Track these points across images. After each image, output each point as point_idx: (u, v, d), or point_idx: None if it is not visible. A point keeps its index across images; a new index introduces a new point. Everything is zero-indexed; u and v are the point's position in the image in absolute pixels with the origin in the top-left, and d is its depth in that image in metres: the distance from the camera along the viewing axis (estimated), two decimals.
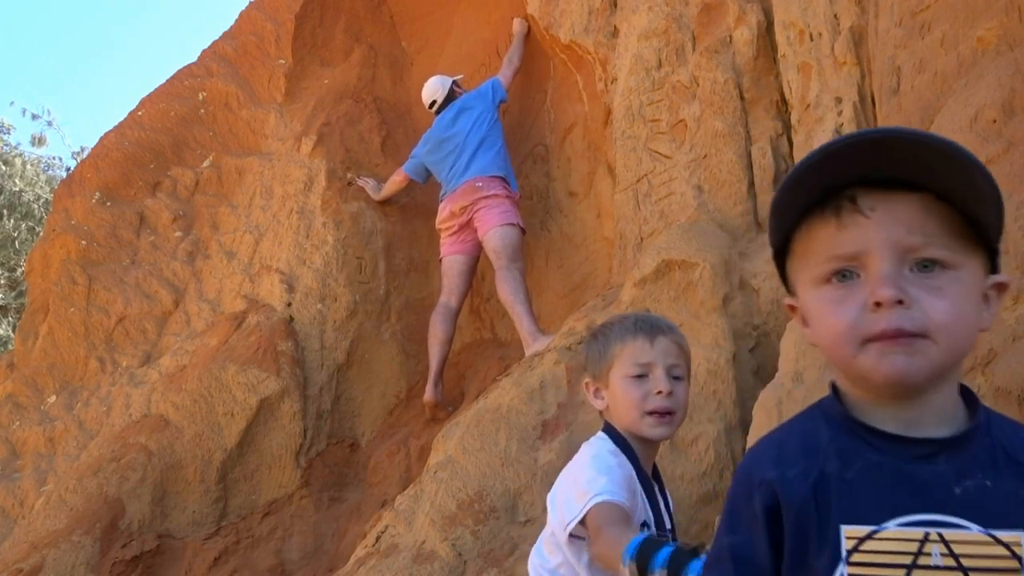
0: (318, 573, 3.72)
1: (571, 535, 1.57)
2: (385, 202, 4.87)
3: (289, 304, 4.54)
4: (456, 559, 2.65)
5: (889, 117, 2.36)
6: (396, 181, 4.77)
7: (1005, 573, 0.84)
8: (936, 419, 0.89)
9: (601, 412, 1.75)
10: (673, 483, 2.48)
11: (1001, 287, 0.92)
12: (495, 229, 4.18)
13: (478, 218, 4.25)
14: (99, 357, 4.88)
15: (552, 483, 2.52)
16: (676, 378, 1.67)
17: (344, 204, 4.77)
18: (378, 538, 2.93)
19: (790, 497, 0.92)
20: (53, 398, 4.86)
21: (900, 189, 0.86)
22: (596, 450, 1.65)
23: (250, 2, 5.68)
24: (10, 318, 11.08)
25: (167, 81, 5.54)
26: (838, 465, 0.91)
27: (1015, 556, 0.84)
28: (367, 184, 4.87)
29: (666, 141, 3.42)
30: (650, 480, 1.66)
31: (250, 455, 4.18)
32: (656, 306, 2.81)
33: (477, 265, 4.47)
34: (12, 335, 10.16)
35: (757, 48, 3.22)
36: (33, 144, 13.13)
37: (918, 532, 0.86)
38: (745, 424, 2.49)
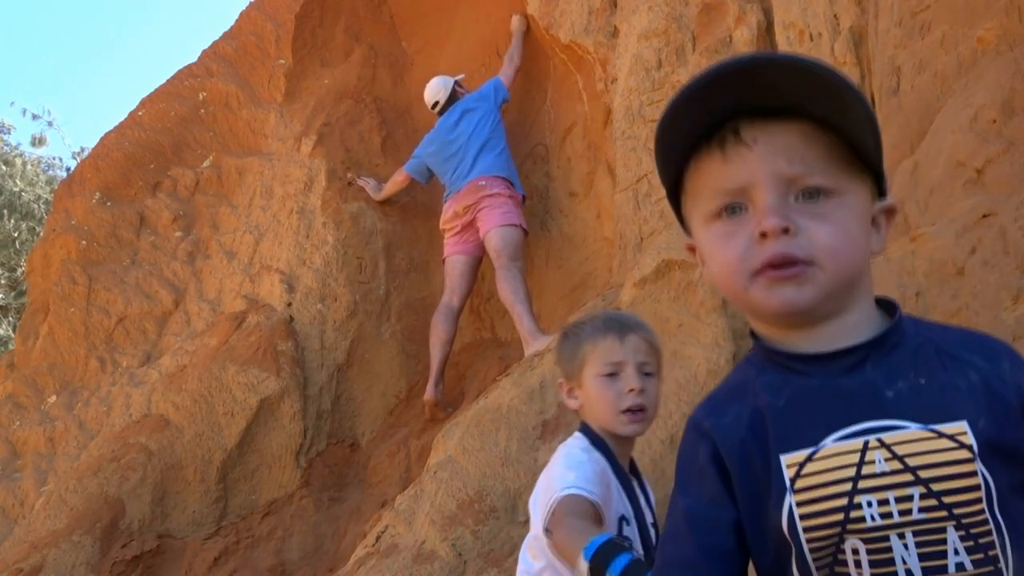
0: (318, 573, 3.72)
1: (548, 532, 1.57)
2: (385, 202, 4.87)
3: (289, 304, 4.55)
4: (456, 559, 2.65)
5: (889, 117, 2.36)
6: (397, 181, 4.77)
7: (956, 465, 0.81)
8: (855, 334, 0.88)
9: (576, 411, 1.77)
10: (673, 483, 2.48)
11: (890, 212, 0.92)
12: (496, 229, 4.19)
13: (480, 218, 4.26)
14: (99, 357, 4.88)
15: None
16: (647, 374, 1.68)
17: (344, 204, 4.78)
18: (378, 538, 2.93)
19: (729, 444, 0.91)
20: (53, 398, 4.86)
21: (781, 118, 0.85)
22: (568, 449, 1.67)
23: (250, 2, 5.68)
24: (10, 318, 11.09)
25: (167, 81, 5.55)
26: (768, 398, 0.89)
27: (963, 446, 0.81)
28: (367, 184, 4.87)
29: None
30: (627, 475, 1.68)
31: (250, 455, 4.18)
32: (656, 306, 2.81)
33: (479, 266, 4.47)
34: (12, 335, 10.16)
35: (757, 48, 3.22)
36: (33, 144, 13.14)
37: (857, 443, 0.83)
38: None
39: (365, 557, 2.88)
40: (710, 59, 3.32)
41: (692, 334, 2.69)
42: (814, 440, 0.85)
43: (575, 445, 1.67)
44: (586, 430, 1.70)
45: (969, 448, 0.80)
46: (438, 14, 5.40)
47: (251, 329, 4.39)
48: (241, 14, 5.64)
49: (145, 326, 4.92)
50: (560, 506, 1.51)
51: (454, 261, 4.41)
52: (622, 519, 1.59)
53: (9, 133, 12.95)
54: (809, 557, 0.86)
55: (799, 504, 0.85)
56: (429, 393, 4.18)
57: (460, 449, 2.88)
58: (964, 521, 0.80)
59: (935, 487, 0.81)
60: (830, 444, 0.84)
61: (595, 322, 1.73)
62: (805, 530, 0.85)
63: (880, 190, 0.91)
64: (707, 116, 0.87)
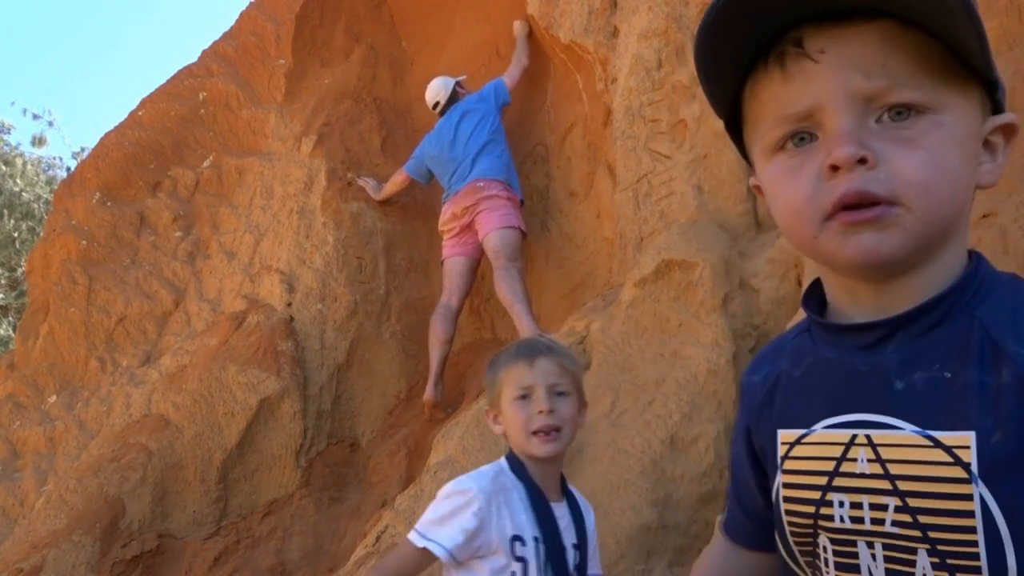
0: (318, 573, 3.72)
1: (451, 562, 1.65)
2: (385, 202, 4.87)
3: (289, 304, 4.55)
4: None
5: None
6: (397, 181, 4.77)
7: (943, 483, 0.67)
8: (924, 298, 0.72)
9: (504, 437, 1.81)
10: (673, 483, 2.48)
11: (1009, 130, 0.73)
12: (495, 231, 4.19)
13: (479, 220, 4.25)
14: (99, 357, 4.88)
15: None
16: (560, 394, 1.72)
17: (344, 204, 4.78)
18: (378, 538, 2.93)
19: (750, 405, 0.85)
20: (53, 398, 4.86)
21: (855, 20, 0.68)
22: (454, 482, 1.72)
23: (250, 2, 5.68)
24: (10, 318, 11.09)
25: (167, 81, 5.54)
26: (789, 366, 0.81)
27: (959, 462, 0.66)
28: (367, 184, 4.87)
29: (666, 141, 3.42)
30: (543, 498, 1.71)
31: (250, 455, 4.18)
32: (656, 306, 2.81)
33: (478, 267, 4.47)
34: (12, 335, 10.16)
35: None
36: (33, 144, 13.17)
37: (844, 434, 0.73)
38: None
39: (365, 557, 2.88)
40: None
41: (692, 334, 2.69)
42: (809, 421, 0.77)
43: (466, 476, 1.73)
44: (510, 454, 1.75)
45: (966, 467, 0.66)
46: (438, 14, 5.40)
47: (251, 329, 4.39)
48: (241, 14, 5.64)
49: (145, 326, 4.92)
50: (398, 547, 1.70)
51: (452, 263, 4.40)
52: (516, 539, 1.64)
53: (9, 133, 12.98)
54: (791, 540, 0.80)
55: (785, 486, 0.79)
56: (428, 393, 4.18)
57: (460, 449, 2.88)
58: (941, 547, 0.67)
59: (912, 503, 0.69)
60: (820, 430, 0.75)
61: (509, 350, 1.80)
62: (787, 513, 0.79)
63: (994, 104, 0.73)
64: (761, 26, 0.70)
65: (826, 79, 0.69)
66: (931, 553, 0.68)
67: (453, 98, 4.66)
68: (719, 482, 2.47)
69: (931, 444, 0.68)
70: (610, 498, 2.47)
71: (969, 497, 0.66)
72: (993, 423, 0.66)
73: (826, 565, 0.75)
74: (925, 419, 0.69)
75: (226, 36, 5.64)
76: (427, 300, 4.74)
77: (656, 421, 2.57)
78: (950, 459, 0.67)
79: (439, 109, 4.69)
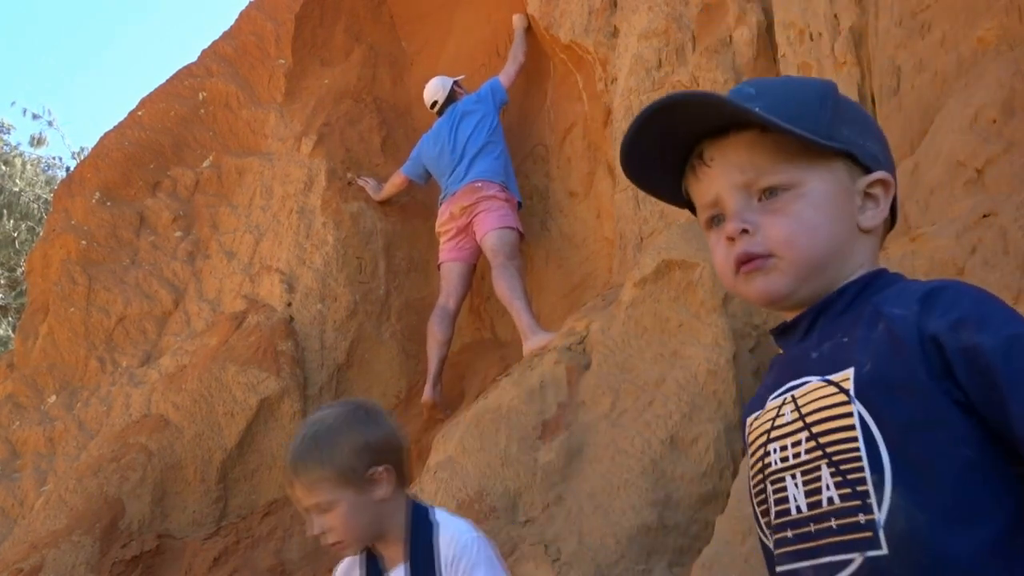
0: (318, 573, 3.72)
1: None
2: (385, 202, 4.87)
3: (289, 304, 4.54)
4: None
5: (889, 117, 2.36)
6: (395, 183, 4.77)
7: (833, 408, 0.87)
8: None
9: None
10: (673, 483, 2.48)
11: (882, 183, 0.97)
12: (493, 231, 4.18)
13: (477, 221, 4.25)
14: (99, 357, 4.88)
15: (552, 483, 2.53)
16: (327, 507, 1.59)
17: (344, 204, 4.77)
18: None
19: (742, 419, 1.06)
20: (53, 398, 4.85)
21: (732, 133, 0.95)
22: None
23: (250, 2, 5.68)
24: (10, 318, 11.09)
25: (167, 81, 5.54)
26: (766, 378, 1.03)
27: (842, 390, 0.86)
28: (367, 184, 4.87)
29: None
30: (376, 570, 1.67)
31: (250, 455, 4.18)
32: (656, 306, 2.81)
33: (475, 271, 4.47)
34: (12, 335, 10.16)
35: (757, 48, 3.22)
36: (33, 144, 13.15)
37: (780, 400, 0.94)
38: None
39: None
40: (710, 59, 3.32)
41: (692, 334, 2.69)
42: (763, 404, 0.98)
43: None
44: None
45: (846, 392, 0.86)
46: (438, 14, 5.40)
47: (251, 329, 4.39)
48: (241, 14, 5.64)
49: (145, 326, 4.92)
50: None
51: (450, 267, 4.40)
52: None
53: (9, 133, 12.97)
54: (755, 503, 0.99)
55: (750, 455, 0.99)
56: (427, 395, 4.17)
57: (460, 449, 2.88)
58: (835, 459, 0.86)
59: (815, 430, 0.88)
60: (768, 403, 0.96)
61: (288, 451, 1.63)
62: (751, 478, 0.98)
63: (865, 167, 0.96)
64: (674, 150, 0.99)
65: (717, 178, 0.96)
66: (829, 465, 0.86)
67: (451, 98, 4.66)
68: (719, 482, 2.47)
69: (826, 385, 0.89)
70: (610, 498, 2.47)
71: (850, 414, 0.85)
72: (865, 359, 0.86)
73: (770, 508, 0.94)
74: (826, 370, 0.90)
75: (226, 36, 5.63)
76: (427, 300, 4.74)
77: (656, 421, 2.57)
78: (837, 390, 0.87)
79: (437, 108, 4.69)
